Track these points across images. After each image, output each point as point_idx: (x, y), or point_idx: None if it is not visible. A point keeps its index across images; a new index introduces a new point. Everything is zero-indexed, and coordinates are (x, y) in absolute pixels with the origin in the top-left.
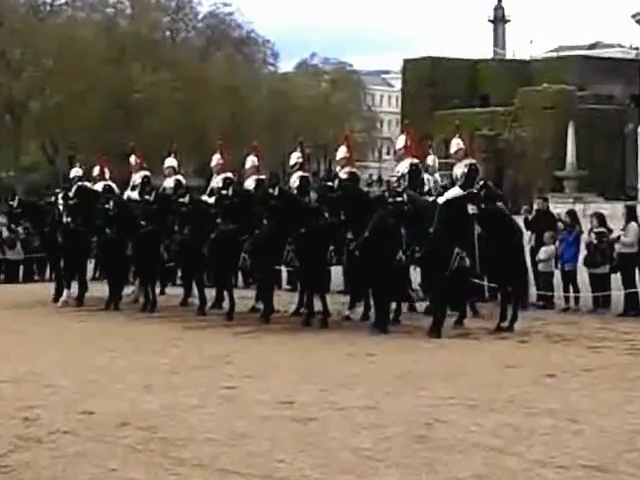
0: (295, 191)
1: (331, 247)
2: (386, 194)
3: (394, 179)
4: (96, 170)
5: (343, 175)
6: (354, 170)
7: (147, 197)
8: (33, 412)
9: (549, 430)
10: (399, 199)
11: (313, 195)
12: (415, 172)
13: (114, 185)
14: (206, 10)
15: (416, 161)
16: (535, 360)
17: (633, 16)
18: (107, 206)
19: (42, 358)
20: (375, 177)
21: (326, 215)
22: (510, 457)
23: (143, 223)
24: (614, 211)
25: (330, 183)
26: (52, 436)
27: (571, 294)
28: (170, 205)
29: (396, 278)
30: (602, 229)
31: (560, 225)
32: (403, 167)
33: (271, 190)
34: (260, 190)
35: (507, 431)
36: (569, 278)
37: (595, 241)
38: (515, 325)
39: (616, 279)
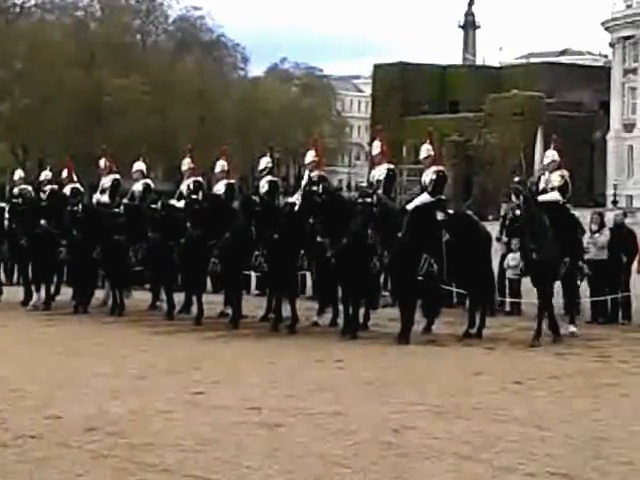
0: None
1: (302, 252)
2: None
3: (364, 184)
4: (64, 173)
5: (313, 178)
6: (323, 174)
7: (117, 210)
8: None
9: (516, 437)
10: (368, 200)
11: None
12: (391, 177)
13: (82, 188)
14: (176, 14)
15: (392, 166)
16: (502, 367)
17: (602, 24)
18: (76, 209)
19: (9, 362)
20: (345, 183)
21: (310, 220)
22: (478, 464)
23: (116, 236)
24: (582, 218)
25: (315, 188)
26: (18, 440)
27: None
28: (139, 213)
29: (368, 284)
30: None
31: None
32: (379, 172)
33: (254, 197)
34: (242, 198)
35: (474, 438)
36: None
37: None
38: (483, 332)
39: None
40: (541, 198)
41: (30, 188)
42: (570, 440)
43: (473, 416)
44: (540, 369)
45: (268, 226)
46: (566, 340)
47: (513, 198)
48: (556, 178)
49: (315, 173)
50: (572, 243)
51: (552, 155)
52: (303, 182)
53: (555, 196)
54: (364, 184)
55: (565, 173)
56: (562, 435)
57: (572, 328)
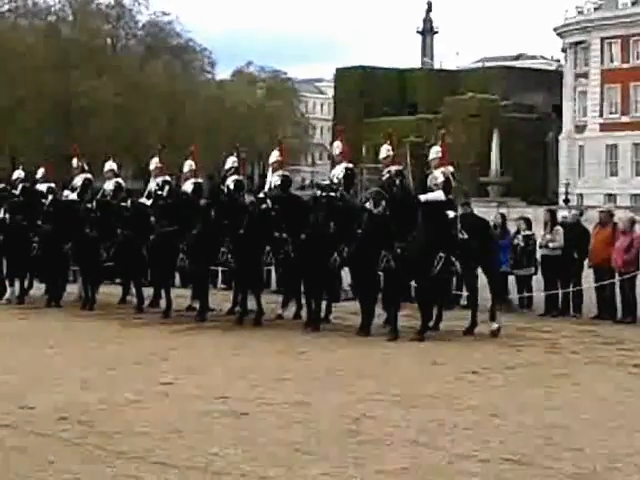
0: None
1: (267, 248)
2: (318, 194)
3: (325, 182)
4: (40, 172)
5: (276, 178)
6: (286, 173)
7: (89, 205)
8: None
9: (472, 425)
10: (332, 194)
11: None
12: (350, 176)
13: (55, 187)
14: (146, 19)
15: (351, 165)
16: (459, 357)
17: (555, 29)
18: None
19: None
20: (307, 182)
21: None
22: (434, 451)
23: (87, 230)
24: (536, 215)
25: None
26: None
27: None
28: (110, 209)
29: (329, 278)
30: (529, 232)
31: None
32: (338, 171)
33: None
34: (212, 191)
35: (432, 426)
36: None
37: (522, 244)
38: (440, 324)
39: (537, 280)
40: (423, 198)
41: (1, 185)
42: (523, 428)
43: (430, 405)
44: (495, 359)
45: (234, 223)
46: (515, 333)
47: (369, 205)
48: (439, 175)
49: (279, 173)
50: (446, 239)
51: (436, 152)
52: (267, 182)
53: (436, 195)
54: (325, 182)
55: (448, 170)
56: (516, 423)
57: (494, 325)
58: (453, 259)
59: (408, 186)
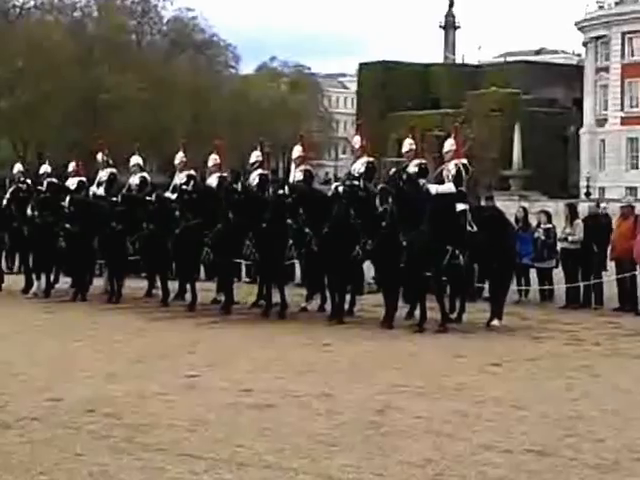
0: (255, 188)
1: (290, 241)
2: (339, 188)
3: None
4: (71, 166)
5: (298, 173)
6: (309, 168)
7: (114, 199)
8: (2, 399)
9: (495, 416)
10: (355, 183)
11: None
12: (371, 170)
13: (85, 181)
14: (170, 14)
15: (372, 159)
16: (482, 350)
17: (576, 24)
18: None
19: (11, 347)
20: (331, 176)
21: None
22: (458, 442)
23: (113, 224)
24: (557, 209)
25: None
26: (20, 422)
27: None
28: (136, 204)
29: (352, 271)
30: (549, 225)
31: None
32: (359, 165)
33: (234, 186)
34: (224, 186)
35: (455, 417)
36: (523, 272)
37: (543, 237)
38: (463, 316)
39: (557, 273)
40: (433, 190)
41: (29, 181)
42: (545, 419)
43: (454, 397)
44: (517, 352)
45: (257, 216)
46: (536, 325)
47: (378, 203)
48: (452, 167)
49: (301, 167)
50: (453, 233)
51: (450, 144)
52: (290, 177)
53: (446, 188)
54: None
55: (461, 162)
56: (538, 414)
57: (495, 322)
58: (457, 252)
59: (416, 179)
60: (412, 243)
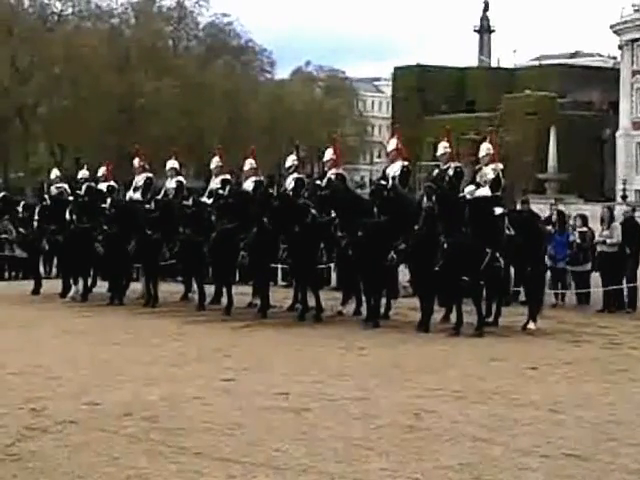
0: (290, 192)
1: (322, 245)
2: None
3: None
4: (101, 171)
5: (331, 176)
6: (341, 171)
7: (148, 206)
8: (40, 403)
9: (532, 420)
10: (383, 182)
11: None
12: (405, 173)
13: (116, 186)
14: (207, 20)
15: (407, 163)
16: (518, 353)
17: (611, 27)
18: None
19: (49, 351)
20: (367, 180)
21: (314, 212)
22: (495, 446)
23: (149, 231)
24: (593, 212)
25: (319, 182)
26: (58, 426)
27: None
28: (172, 208)
29: (388, 275)
30: (585, 229)
31: (549, 227)
32: (394, 169)
33: (270, 190)
34: (259, 191)
35: (492, 421)
36: (559, 276)
37: (579, 240)
38: (499, 320)
39: (594, 277)
40: (468, 195)
41: (66, 186)
42: (583, 423)
43: (490, 400)
44: (554, 356)
45: (285, 220)
46: (573, 328)
47: (424, 200)
48: (489, 172)
49: (333, 171)
50: (493, 236)
51: (486, 148)
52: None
53: (482, 192)
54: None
55: (499, 166)
56: (575, 418)
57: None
58: (497, 255)
59: (456, 183)
60: (453, 245)
